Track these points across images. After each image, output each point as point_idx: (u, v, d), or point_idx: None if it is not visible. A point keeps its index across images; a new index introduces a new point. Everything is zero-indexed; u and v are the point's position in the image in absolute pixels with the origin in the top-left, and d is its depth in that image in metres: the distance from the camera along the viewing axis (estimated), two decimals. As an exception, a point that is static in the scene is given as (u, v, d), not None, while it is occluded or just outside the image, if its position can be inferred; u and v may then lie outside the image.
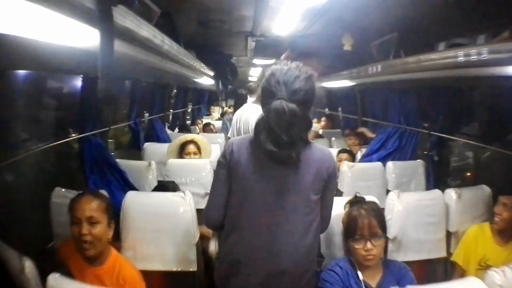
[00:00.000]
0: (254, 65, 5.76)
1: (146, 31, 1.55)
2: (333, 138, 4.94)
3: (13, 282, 1.14)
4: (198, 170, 2.85)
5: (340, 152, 3.74)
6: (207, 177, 2.80)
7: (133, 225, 1.95)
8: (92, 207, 1.60)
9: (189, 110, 7.60)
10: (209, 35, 2.92)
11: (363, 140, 4.30)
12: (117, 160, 2.97)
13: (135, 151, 3.66)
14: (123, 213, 1.96)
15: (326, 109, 7.23)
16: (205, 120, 7.62)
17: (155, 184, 2.86)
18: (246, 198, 1.46)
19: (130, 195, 2.01)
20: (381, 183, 3.24)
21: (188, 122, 6.78)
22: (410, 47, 2.32)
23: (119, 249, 1.82)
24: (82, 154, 2.62)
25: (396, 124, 3.76)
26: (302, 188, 1.45)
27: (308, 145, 1.49)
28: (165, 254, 1.92)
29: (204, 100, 9.18)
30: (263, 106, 1.43)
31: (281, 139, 1.36)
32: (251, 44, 3.18)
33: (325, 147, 1.73)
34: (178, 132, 5.05)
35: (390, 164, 3.28)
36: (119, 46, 1.30)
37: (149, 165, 2.90)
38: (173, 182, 2.56)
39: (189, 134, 3.39)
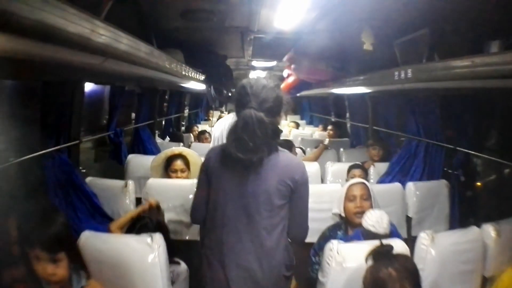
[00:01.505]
0: (254, 68, 5.23)
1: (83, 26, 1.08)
2: (341, 149, 4.43)
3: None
4: (183, 192, 2.38)
5: (352, 168, 3.26)
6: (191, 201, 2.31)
7: (92, 270, 1.49)
8: None
9: (186, 115, 7.12)
10: (197, 31, 2.44)
11: (384, 145, 3.81)
12: (89, 179, 2.53)
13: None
14: (81, 253, 1.51)
15: (332, 116, 6.74)
16: (203, 126, 7.13)
17: (132, 208, 2.38)
18: (218, 201, 1.61)
19: (85, 237, 1.55)
20: (401, 208, 2.77)
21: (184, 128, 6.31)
22: (445, 47, 1.82)
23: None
24: (45, 174, 2.14)
25: (414, 136, 3.27)
26: (264, 192, 1.57)
27: (276, 152, 1.61)
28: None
29: (202, 104, 8.68)
30: (236, 115, 1.58)
31: (246, 145, 1.48)
32: (249, 42, 2.69)
33: (294, 157, 1.77)
34: (170, 141, 4.59)
35: (410, 185, 2.80)
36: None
37: (125, 185, 2.41)
38: (145, 219, 2.07)
39: (176, 148, 2.91)
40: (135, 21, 1.96)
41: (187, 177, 2.81)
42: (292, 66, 3.50)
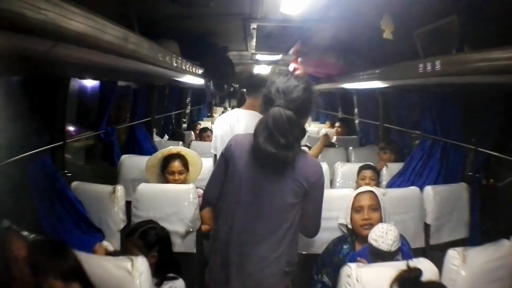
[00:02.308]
0: (258, 62, 4.94)
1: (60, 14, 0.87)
2: (350, 148, 4.18)
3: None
4: (178, 199, 2.16)
5: (362, 168, 3.02)
6: (189, 209, 2.10)
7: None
8: None
9: (188, 111, 6.87)
10: (193, 19, 2.20)
11: (395, 148, 3.56)
12: (75, 183, 2.31)
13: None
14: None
15: (339, 112, 6.47)
16: (205, 123, 6.88)
17: (121, 218, 2.16)
18: (232, 188, 1.65)
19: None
20: (418, 215, 2.53)
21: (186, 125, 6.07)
22: (478, 37, 1.57)
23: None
24: (27, 179, 1.94)
25: (430, 134, 3.02)
26: (278, 189, 1.61)
27: (301, 152, 1.64)
28: None
29: (205, 99, 8.43)
30: (263, 112, 1.60)
31: (279, 141, 1.51)
32: (251, 32, 2.44)
33: (313, 159, 1.78)
34: (168, 139, 4.36)
35: (429, 189, 2.57)
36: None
37: (114, 191, 2.18)
38: (150, 224, 1.86)
39: (174, 147, 2.69)
40: (123, 9, 1.73)
41: (185, 179, 2.61)
42: (299, 59, 3.25)
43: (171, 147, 2.69)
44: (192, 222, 2.10)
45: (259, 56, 4.22)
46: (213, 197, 1.74)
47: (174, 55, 2.10)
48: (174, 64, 2.03)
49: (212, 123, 6.81)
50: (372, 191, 2.04)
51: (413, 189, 2.56)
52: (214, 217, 1.80)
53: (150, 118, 3.85)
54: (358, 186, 3.00)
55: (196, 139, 4.64)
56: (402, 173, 3.05)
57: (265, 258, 1.62)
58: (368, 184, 2.93)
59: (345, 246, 2.03)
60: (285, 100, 1.53)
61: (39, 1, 0.87)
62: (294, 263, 1.72)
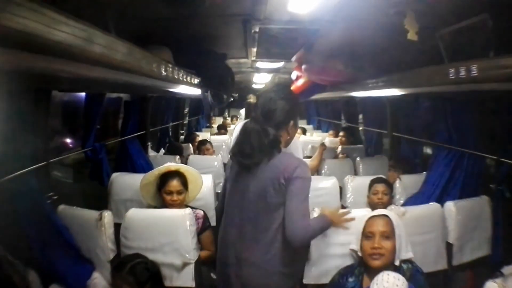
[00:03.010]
0: (258, 70, 4.70)
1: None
2: (357, 159, 3.96)
3: None
4: (173, 227, 1.93)
5: (374, 182, 2.82)
6: (186, 238, 1.86)
7: None
8: None
9: (186, 122, 6.64)
10: (187, 22, 1.98)
11: (406, 168, 3.34)
12: (61, 207, 2.09)
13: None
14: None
15: (343, 121, 6.26)
16: (204, 134, 6.65)
17: (110, 248, 1.92)
18: (226, 199, 1.86)
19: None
20: (440, 234, 2.30)
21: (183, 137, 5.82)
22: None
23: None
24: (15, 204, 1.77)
25: (446, 144, 2.80)
26: (260, 192, 1.71)
27: (277, 156, 1.74)
28: None
29: (204, 109, 8.18)
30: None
31: (243, 151, 1.74)
32: (253, 36, 2.21)
33: (291, 156, 1.80)
34: (165, 153, 4.13)
35: (451, 205, 2.34)
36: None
37: (100, 218, 1.93)
38: (139, 258, 1.65)
39: (172, 164, 2.46)
40: (107, 12, 1.52)
41: (184, 200, 2.39)
42: (303, 66, 3.04)
43: (169, 164, 2.47)
44: (190, 252, 1.87)
45: (259, 64, 4.00)
46: (219, 209, 1.90)
47: (164, 62, 1.88)
48: (165, 73, 1.82)
49: (212, 133, 6.60)
50: (386, 216, 1.80)
51: (434, 206, 2.33)
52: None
53: (144, 132, 3.62)
54: (370, 201, 2.78)
55: (194, 153, 4.41)
56: (421, 189, 2.83)
57: (258, 259, 1.70)
58: (380, 199, 2.72)
59: (350, 279, 1.80)
60: (260, 113, 1.74)
61: (17, 8, 0.78)
62: (293, 262, 1.76)
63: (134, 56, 1.58)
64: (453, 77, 1.44)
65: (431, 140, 3.30)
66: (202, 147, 4.16)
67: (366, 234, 1.79)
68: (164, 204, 2.37)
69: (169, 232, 1.89)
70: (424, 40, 1.72)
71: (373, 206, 2.74)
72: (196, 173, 2.45)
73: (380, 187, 2.75)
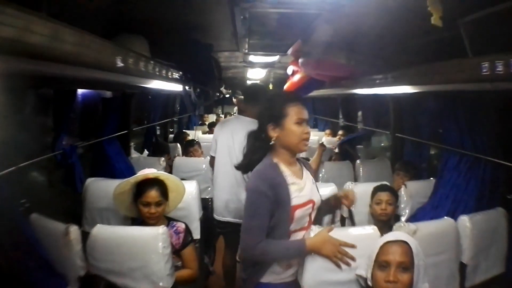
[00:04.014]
0: (252, 64, 4.35)
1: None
2: (358, 161, 3.70)
3: None
4: (144, 249, 1.65)
5: (378, 190, 2.56)
6: (158, 264, 1.59)
7: None
8: None
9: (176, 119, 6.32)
10: (167, 7, 1.67)
11: (414, 173, 3.08)
12: (34, 216, 1.88)
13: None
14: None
15: (341, 119, 5.99)
16: (195, 133, 6.34)
17: (80, 265, 1.67)
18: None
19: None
20: (454, 254, 2.04)
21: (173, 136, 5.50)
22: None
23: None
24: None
25: (456, 147, 2.55)
26: None
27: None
28: None
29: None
30: None
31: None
32: (243, 23, 1.90)
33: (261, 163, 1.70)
34: (149, 155, 3.84)
35: (465, 220, 2.10)
36: None
37: (67, 233, 1.67)
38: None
39: (150, 171, 2.17)
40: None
41: (163, 211, 2.12)
42: (300, 60, 2.74)
43: (147, 170, 2.17)
44: (163, 279, 1.60)
45: (253, 58, 3.69)
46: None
47: (137, 55, 1.59)
48: (139, 67, 1.54)
49: (203, 132, 6.29)
50: (405, 243, 1.52)
51: (447, 221, 2.07)
52: None
53: (126, 131, 3.33)
54: (372, 212, 2.52)
55: (182, 154, 4.12)
56: (431, 199, 2.57)
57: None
58: (384, 210, 2.46)
59: None
60: None
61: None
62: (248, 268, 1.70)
63: (104, 50, 1.31)
64: (478, 73, 1.18)
65: (439, 142, 3.05)
66: (189, 148, 3.86)
67: (380, 263, 1.51)
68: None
69: (139, 255, 1.62)
70: (444, 29, 1.44)
71: (375, 217, 2.49)
72: (177, 181, 2.17)
73: (384, 196, 2.48)
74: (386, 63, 2.06)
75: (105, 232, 1.77)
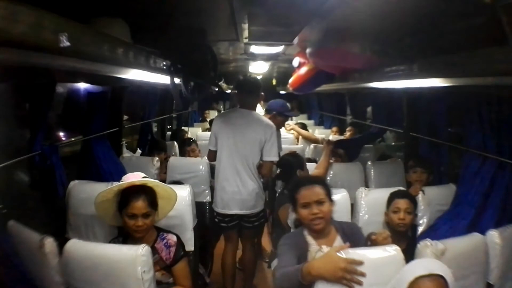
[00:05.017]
0: (254, 57, 4.03)
1: None
2: (368, 162, 3.43)
3: None
4: (120, 271, 1.42)
5: (395, 197, 2.30)
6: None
7: None
8: None
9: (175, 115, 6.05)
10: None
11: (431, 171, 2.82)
12: (11, 223, 1.71)
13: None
14: None
15: (348, 116, 5.71)
16: (195, 129, 6.09)
17: (57, 280, 1.48)
18: None
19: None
20: (482, 273, 1.80)
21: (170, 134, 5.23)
22: None
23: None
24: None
25: (479, 150, 2.31)
26: None
27: None
28: None
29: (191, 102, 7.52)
30: None
31: None
32: (241, 6, 1.62)
33: None
34: (142, 154, 3.59)
35: (494, 236, 1.84)
36: None
37: (41, 245, 1.46)
38: None
39: (136, 177, 1.92)
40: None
41: (151, 223, 1.89)
42: (308, 50, 2.47)
43: (132, 176, 1.93)
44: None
45: (254, 49, 3.38)
46: None
47: (119, 42, 1.34)
48: (117, 55, 1.29)
49: (203, 129, 6.04)
50: (441, 278, 1.26)
51: (476, 237, 1.82)
52: None
53: (117, 128, 3.08)
54: (389, 221, 2.28)
55: (179, 153, 3.87)
56: (453, 207, 2.32)
57: None
58: (403, 219, 2.22)
59: None
60: None
61: None
62: None
63: (78, 36, 1.08)
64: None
65: (459, 144, 2.79)
66: (185, 148, 3.61)
67: None
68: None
69: (116, 278, 1.39)
70: (478, 12, 1.18)
71: (392, 227, 2.24)
72: (168, 188, 1.93)
73: (402, 203, 2.24)
74: (407, 53, 1.80)
75: (80, 249, 1.56)
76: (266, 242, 3.89)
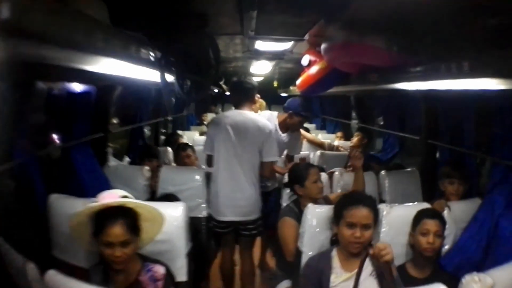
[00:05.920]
0: (258, 54, 3.64)
1: None
2: (382, 172, 3.14)
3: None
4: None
5: (423, 217, 2.00)
6: None
7: None
8: None
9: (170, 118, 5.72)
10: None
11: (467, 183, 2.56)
12: None
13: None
14: None
15: (354, 121, 5.42)
16: (192, 133, 5.76)
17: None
18: None
19: None
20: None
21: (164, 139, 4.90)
22: None
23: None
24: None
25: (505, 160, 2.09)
26: None
27: None
28: None
29: (189, 102, 7.16)
30: None
31: None
32: None
33: None
34: (131, 162, 3.27)
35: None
36: None
37: (23, 265, 1.33)
38: None
39: (111, 197, 1.59)
40: None
41: (132, 252, 1.58)
42: (323, 45, 2.16)
43: (108, 195, 1.62)
44: None
45: (259, 45, 3.03)
46: None
47: (96, 26, 1.03)
48: (92, 43, 0.98)
49: (201, 133, 5.71)
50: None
51: None
52: None
53: (104, 134, 2.77)
54: (416, 243, 1.99)
55: (174, 160, 3.55)
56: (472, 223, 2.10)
57: None
58: (432, 243, 1.94)
59: None
60: None
61: None
62: None
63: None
64: None
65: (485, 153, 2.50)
66: (180, 154, 3.28)
67: None
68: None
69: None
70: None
71: (419, 251, 1.96)
72: (153, 210, 1.61)
73: (432, 225, 1.96)
74: (439, 51, 1.50)
75: (58, 281, 1.34)
76: (269, 256, 3.64)
